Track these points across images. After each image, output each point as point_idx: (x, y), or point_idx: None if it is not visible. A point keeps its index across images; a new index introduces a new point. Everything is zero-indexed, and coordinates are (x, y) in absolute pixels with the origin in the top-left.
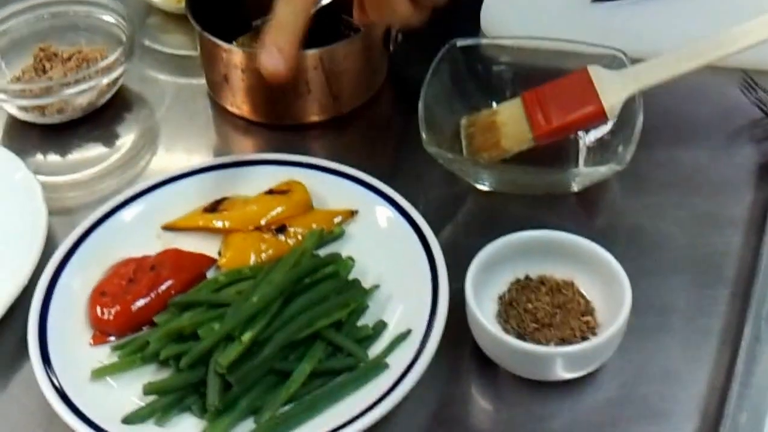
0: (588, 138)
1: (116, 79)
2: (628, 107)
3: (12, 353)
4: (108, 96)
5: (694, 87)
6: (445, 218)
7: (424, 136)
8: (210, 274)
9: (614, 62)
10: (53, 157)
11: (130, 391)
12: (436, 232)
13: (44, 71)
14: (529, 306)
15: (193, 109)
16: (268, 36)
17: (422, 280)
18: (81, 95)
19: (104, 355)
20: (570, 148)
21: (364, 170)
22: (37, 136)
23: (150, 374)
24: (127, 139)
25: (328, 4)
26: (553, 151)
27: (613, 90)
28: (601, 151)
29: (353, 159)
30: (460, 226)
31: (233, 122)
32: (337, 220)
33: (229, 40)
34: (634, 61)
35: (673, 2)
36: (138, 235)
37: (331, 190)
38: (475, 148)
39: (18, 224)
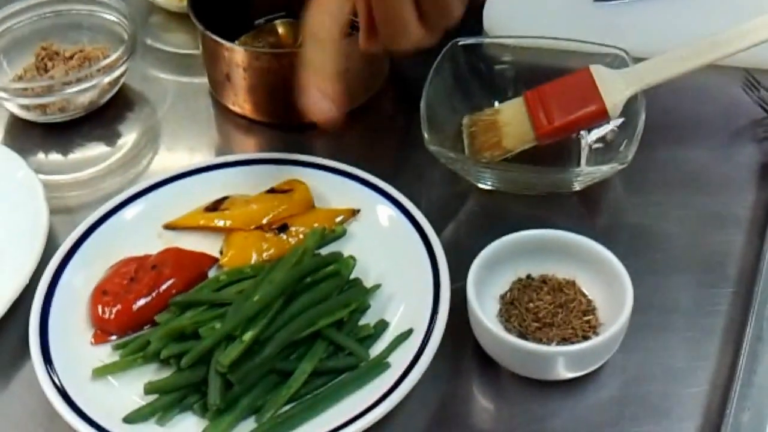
0: (590, 137)
1: (118, 78)
2: (630, 106)
3: (13, 352)
4: (110, 95)
5: (696, 86)
6: (447, 217)
7: (426, 135)
8: (211, 273)
9: (616, 61)
10: (55, 156)
11: (131, 390)
12: (438, 232)
13: (46, 70)
14: (531, 305)
15: (194, 108)
16: (306, 82)
17: (424, 280)
18: (83, 94)
19: (105, 354)
20: (572, 147)
21: (366, 169)
22: (39, 134)
23: (151, 373)
24: (128, 138)
25: None
26: (555, 151)
27: (615, 89)
28: (603, 150)
29: (355, 158)
30: (461, 225)
31: (235, 121)
32: (338, 219)
33: (231, 39)
34: (637, 60)
35: (675, 1)
36: (139, 234)
37: (333, 189)
38: (477, 147)
39: (19, 223)
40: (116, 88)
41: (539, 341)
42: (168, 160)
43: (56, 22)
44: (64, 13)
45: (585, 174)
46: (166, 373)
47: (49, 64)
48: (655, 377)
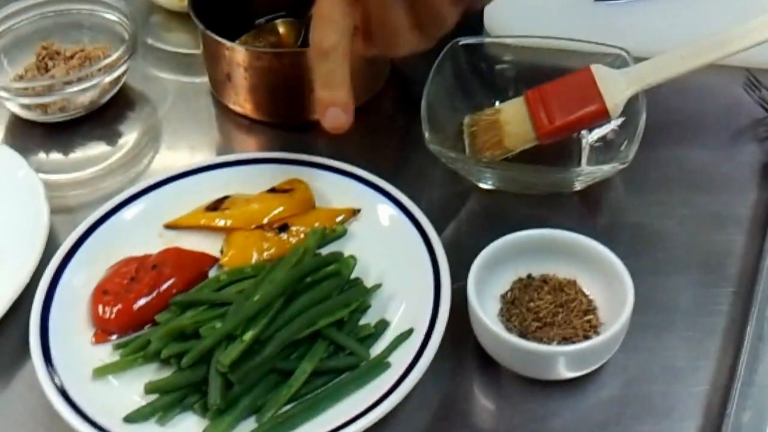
0: (591, 137)
1: (119, 78)
2: (631, 106)
3: (14, 351)
4: (110, 94)
5: (697, 86)
6: (448, 217)
7: (426, 134)
8: (212, 272)
9: (617, 61)
10: (55, 156)
11: (131, 389)
12: (439, 231)
13: (47, 69)
14: (532, 305)
15: (195, 107)
16: (320, 96)
17: (424, 279)
18: (83, 93)
19: (106, 353)
20: (573, 146)
21: (367, 169)
22: (40, 134)
23: (151, 373)
24: (129, 137)
25: None
26: (555, 150)
27: (616, 89)
28: (603, 149)
29: (356, 157)
30: (462, 225)
31: (236, 120)
32: (339, 218)
33: (232, 39)
34: (637, 59)
35: (675, 1)
36: (140, 233)
37: (334, 188)
38: (478, 146)
39: (20, 222)
40: (117, 88)
41: (540, 341)
42: (169, 159)
43: (57, 21)
44: (65, 13)
45: (586, 174)
46: (166, 373)
47: (50, 63)
48: (656, 377)
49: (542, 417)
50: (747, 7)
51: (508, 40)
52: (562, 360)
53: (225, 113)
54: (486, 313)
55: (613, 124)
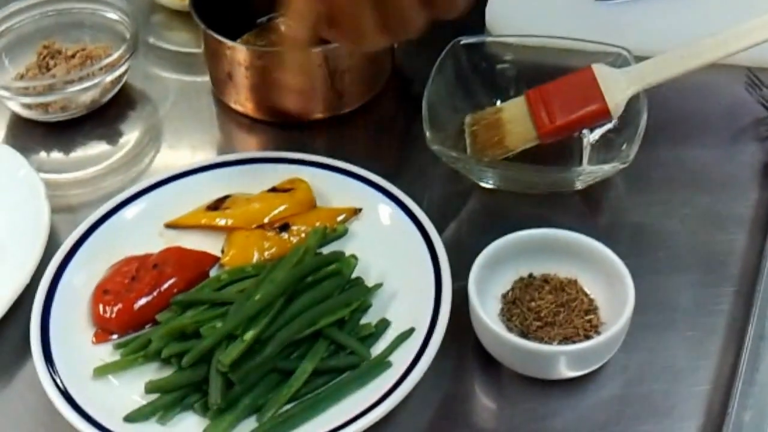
0: (592, 136)
1: (120, 77)
2: (632, 105)
3: (15, 351)
4: (112, 93)
5: (698, 85)
6: (449, 216)
7: (427, 134)
8: (213, 272)
9: (618, 60)
10: (56, 155)
11: (132, 389)
12: (440, 230)
13: (48, 68)
14: (533, 304)
15: (196, 106)
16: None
17: (425, 279)
18: (84, 93)
19: (106, 353)
20: (574, 146)
21: (368, 168)
22: (41, 133)
23: (152, 372)
24: (130, 136)
25: None
26: (556, 150)
27: (617, 88)
28: (605, 149)
29: (357, 157)
30: (463, 224)
31: (237, 120)
32: (340, 218)
33: (233, 38)
34: (639, 59)
35: (676, 1)
36: (141, 233)
37: (335, 188)
38: (479, 146)
39: (21, 222)
40: (118, 87)
41: (541, 340)
42: (170, 158)
43: (58, 20)
44: (66, 12)
45: (587, 173)
46: (167, 373)
47: (51, 62)
48: (657, 376)
49: (543, 416)
50: (748, 6)
51: (510, 40)
52: (563, 359)
53: (226, 112)
54: (487, 312)
55: (614, 124)
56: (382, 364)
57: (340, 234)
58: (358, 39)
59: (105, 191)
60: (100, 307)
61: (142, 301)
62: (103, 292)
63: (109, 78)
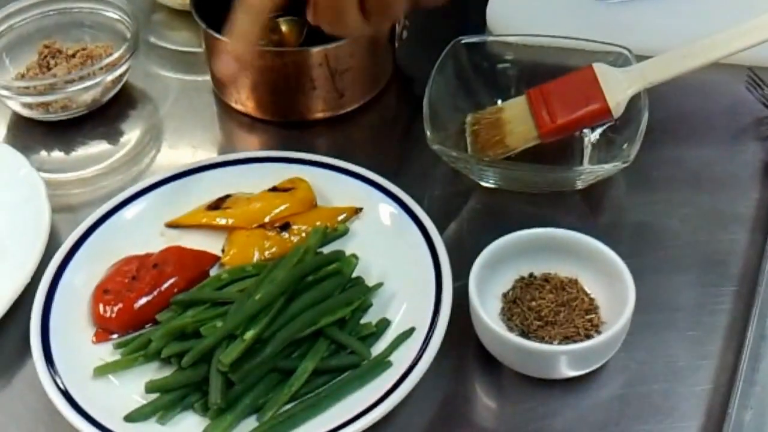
0: (593, 135)
1: (121, 76)
2: (633, 104)
3: (15, 350)
4: (112, 93)
5: (699, 84)
6: (450, 216)
7: (428, 133)
8: (213, 271)
9: (619, 59)
10: (57, 154)
11: (132, 388)
12: (440, 230)
13: (48, 68)
14: (533, 304)
15: (197, 106)
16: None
17: (426, 278)
18: (85, 92)
19: (106, 352)
20: (575, 145)
21: (369, 167)
22: (41, 133)
23: (152, 372)
24: (131, 135)
25: None
26: (557, 149)
27: (618, 87)
28: (605, 148)
29: (357, 156)
30: (464, 224)
31: (238, 119)
32: (341, 217)
33: None
34: (639, 58)
35: (677, 0)
36: (141, 232)
37: (335, 187)
38: (480, 145)
39: (21, 221)
40: (119, 86)
41: (541, 340)
42: (170, 158)
43: (59, 20)
44: (67, 11)
45: (588, 172)
46: (167, 372)
47: (52, 62)
48: (658, 376)
49: (543, 416)
50: (749, 6)
51: (510, 39)
52: (564, 359)
53: (227, 112)
54: (487, 312)
55: (615, 123)
56: (382, 363)
57: (340, 233)
58: (336, 21)
59: (105, 191)
60: (101, 306)
61: (143, 300)
62: (103, 292)
63: (110, 77)
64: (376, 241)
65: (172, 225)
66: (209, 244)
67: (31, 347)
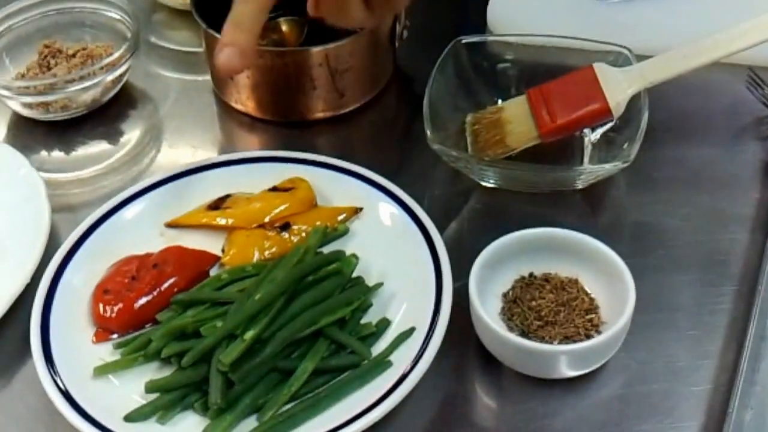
0: (593, 135)
1: (121, 76)
2: (633, 104)
3: (15, 350)
4: (112, 93)
5: (699, 84)
6: (450, 215)
7: (428, 133)
8: (213, 271)
9: (619, 59)
10: (57, 154)
11: (132, 388)
12: (441, 230)
13: (49, 68)
14: (533, 303)
15: (197, 105)
16: (225, 33)
17: (426, 278)
18: (85, 92)
19: (106, 352)
20: (575, 145)
21: (369, 167)
22: (41, 132)
23: (152, 372)
24: (131, 135)
25: None
26: (558, 149)
27: (618, 87)
28: (606, 148)
29: (358, 156)
30: (464, 224)
31: (238, 119)
32: (340, 217)
33: None
34: (640, 58)
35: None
36: (141, 232)
37: (336, 187)
38: (480, 145)
39: (21, 221)
40: (119, 86)
41: (541, 340)
42: (170, 157)
43: (59, 20)
44: (67, 11)
45: (588, 172)
46: (167, 372)
47: (52, 62)
48: (658, 376)
49: (543, 416)
50: (749, 5)
51: (511, 39)
52: (564, 359)
53: (227, 111)
54: (487, 311)
55: (616, 123)
56: (382, 363)
57: (340, 233)
58: (340, 12)
59: (105, 190)
60: (101, 306)
61: (143, 300)
62: (103, 292)
63: (110, 77)
64: (376, 241)
65: (172, 225)
66: (209, 244)
67: (31, 347)
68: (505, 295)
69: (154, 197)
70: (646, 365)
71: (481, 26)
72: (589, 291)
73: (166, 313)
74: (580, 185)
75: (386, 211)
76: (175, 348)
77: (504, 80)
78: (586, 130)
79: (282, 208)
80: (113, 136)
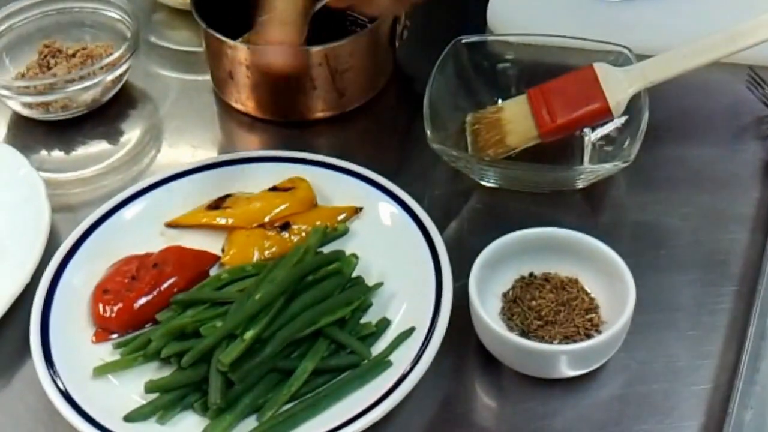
0: (593, 135)
1: (121, 76)
2: (633, 104)
3: (14, 350)
4: (112, 92)
5: (700, 83)
6: (450, 215)
7: (428, 132)
8: (213, 271)
9: (620, 59)
10: (57, 154)
11: (131, 388)
12: (441, 229)
13: (49, 68)
14: (533, 303)
15: (197, 105)
16: (271, 33)
17: (426, 278)
18: (85, 92)
19: (106, 352)
20: (575, 144)
21: (369, 167)
22: (41, 132)
23: (152, 372)
24: (131, 135)
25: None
26: (558, 148)
27: (618, 87)
28: (606, 147)
29: (358, 156)
30: (464, 223)
31: (238, 119)
32: (340, 217)
33: (234, 37)
34: (640, 57)
35: None
36: (141, 232)
37: (336, 187)
38: (480, 145)
39: (21, 221)
40: (119, 86)
41: (541, 339)
42: (170, 157)
43: (59, 19)
44: (67, 11)
45: (588, 172)
46: (166, 372)
47: (52, 61)
48: (658, 375)
49: (543, 415)
50: (749, 5)
51: (511, 38)
52: (564, 359)
53: (227, 111)
54: (487, 311)
55: (616, 122)
56: (382, 363)
57: (340, 233)
58: (369, 2)
59: (105, 190)
60: (100, 306)
61: (142, 300)
62: (103, 292)
63: (110, 77)
64: (376, 241)
65: (172, 225)
66: (209, 243)
67: (30, 347)
68: (505, 294)
69: (154, 197)
70: (646, 365)
71: (481, 26)
72: (589, 291)
73: (165, 313)
74: (580, 185)
75: (386, 210)
76: (175, 348)
77: (504, 80)
78: (586, 130)
79: (282, 207)
80: (113, 135)
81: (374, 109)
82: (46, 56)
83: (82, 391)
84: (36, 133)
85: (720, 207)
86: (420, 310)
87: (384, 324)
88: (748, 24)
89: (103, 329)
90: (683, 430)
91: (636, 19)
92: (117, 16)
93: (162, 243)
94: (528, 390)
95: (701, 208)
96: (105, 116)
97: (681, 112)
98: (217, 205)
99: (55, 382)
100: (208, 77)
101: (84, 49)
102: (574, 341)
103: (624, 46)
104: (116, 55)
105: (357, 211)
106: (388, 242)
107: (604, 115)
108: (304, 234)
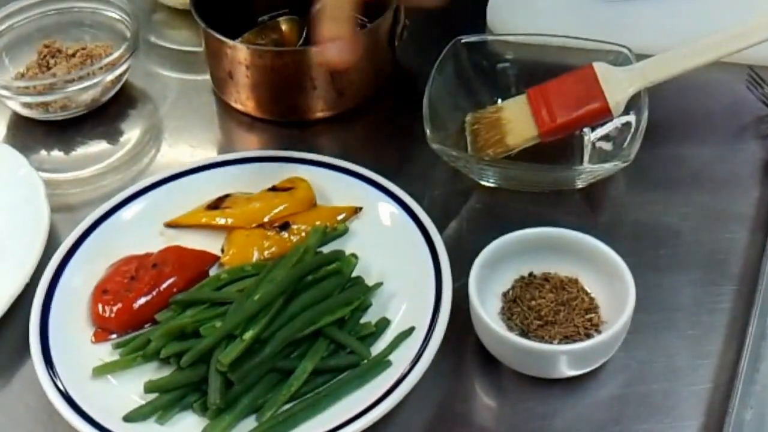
0: (593, 134)
1: (120, 76)
2: (633, 103)
3: (14, 350)
4: (112, 92)
5: (699, 83)
6: (449, 215)
7: (428, 132)
8: (212, 271)
9: (619, 58)
10: (56, 154)
11: (131, 388)
12: (440, 229)
13: (48, 68)
14: (533, 303)
15: (197, 105)
16: (326, 29)
17: (426, 278)
18: (85, 92)
19: (105, 352)
20: (575, 144)
21: (368, 167)
22: (41, 132)
23: (151, 372)
24: (130, 135)
25: None
26: (557, 148)
27: (618, 86)
28: (605, 147)
29: (357, 156)
30: (464, 223)
31: (237, 119)
32: (340, 217)
33: (234, 37)
34: (640, 57)
35: None
36: (140, 232)
37: (335, 186)
38: (480, 144)
39: (20, 221)
40: (119, 86)
41: (541, 339)
42: (170, 157)
43: (59, 19)
44: (67, 11)
45: (588, 172)
46: (166, 372)
47: (52, 61)
48: (658, 375)
49: (543, 415)
50: (749, 5)
51: (510, 38)
52: (564, 359)
53: (227, 111)
54: (487, 311)
55: (616, 122)
56: (382, 363)
57: (340, 233)
58: None
59: (105, 190)
60: (100, 306)
61: (142, 300)
62: (102, 292)
63: (110, 77)
64: (375, 241)
65: (172, 225)
66: (209, 243)
67: (29, 347)
68: (504, 294)
69: (154, 197)
70: (646, 365)
71: (481, 26)
72: (589, 290)
73: (165, 313)
74: (580, 185)
75: (386, 210)
76: (174, 348)
77: (504, 80)
78: (586, 130)
79: (281, 207)
80: (113, 135)
81: (374, 109)
82: (45, 56)
83: (81, 392)
84: (35, 133)
85: (720, 207)
86: (420, 309)
87: (383, 324)
88: (748, 24)
89: (102, 329)
90: (683, 430)
91: (636, 19)
92: (117, 16)
93: (161, 243)
94: (528, 390)
95: (701, 208)
96: (104, 116)
97: (681, 111)
98: (216, 205)
99: (55, 383)
100: (207, 77)
101: (84, 49)
102: (574, 341)
103: (624, 46)
104: (116, 55)
105: (356, 211)
106: (387, 242)
107: (603, 114)
108: (303, 234)
